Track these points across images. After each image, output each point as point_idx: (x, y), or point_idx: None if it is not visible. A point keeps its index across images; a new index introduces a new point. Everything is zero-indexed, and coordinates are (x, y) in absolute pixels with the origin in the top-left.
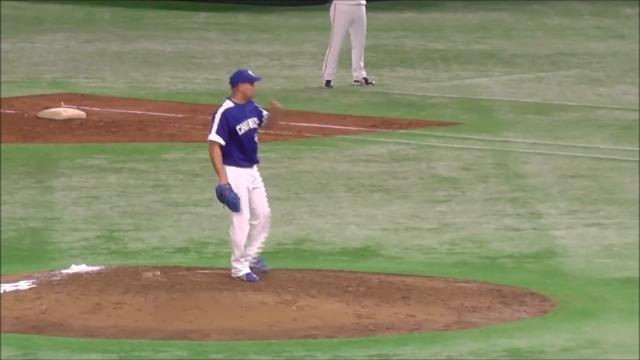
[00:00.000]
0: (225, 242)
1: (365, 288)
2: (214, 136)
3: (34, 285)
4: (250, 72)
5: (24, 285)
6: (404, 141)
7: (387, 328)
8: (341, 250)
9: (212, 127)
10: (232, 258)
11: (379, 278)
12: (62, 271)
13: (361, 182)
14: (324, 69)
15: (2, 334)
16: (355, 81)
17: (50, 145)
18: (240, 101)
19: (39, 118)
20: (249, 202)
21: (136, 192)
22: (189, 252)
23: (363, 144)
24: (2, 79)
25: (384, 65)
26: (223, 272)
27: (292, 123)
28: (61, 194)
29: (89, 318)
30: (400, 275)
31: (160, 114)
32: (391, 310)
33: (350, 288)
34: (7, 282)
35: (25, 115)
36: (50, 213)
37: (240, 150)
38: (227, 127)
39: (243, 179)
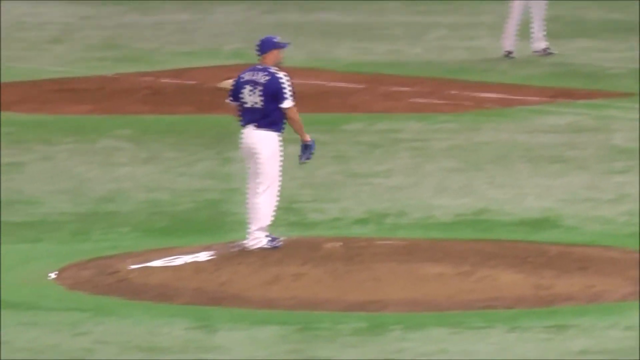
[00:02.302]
0: (405, 214)
1: (544, 259)
2: (292, 102)
3: (213, 257)
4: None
5: (202, 256)
6: (583, 112)
7: (565, 299)
8: (520, 221)
9: (282, 94)
10: (256, 226)
11: (557, 249)
12: (242, 242)
13: (540, 153)
14: (503, 39)
15: (181, 306)
16: (534, 52)
17: (229, 117)
18: (274, 66)
19: (218, 89)
20: None
21: (316, 164)
22: (368, 223)
23: (542, 114)
24: (181, 50)
25: (563, 36)
26: (402, 243)
27: (472, 94)
28: (240, 165)
29: (267, 289)
30: (579, 245)
31: (340, 84)
32: (569, 280)
33: (529, 259)
34: (186, 253)
35: (205, 86)
36: (228, 184)
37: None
38: (293, 91)
39: None
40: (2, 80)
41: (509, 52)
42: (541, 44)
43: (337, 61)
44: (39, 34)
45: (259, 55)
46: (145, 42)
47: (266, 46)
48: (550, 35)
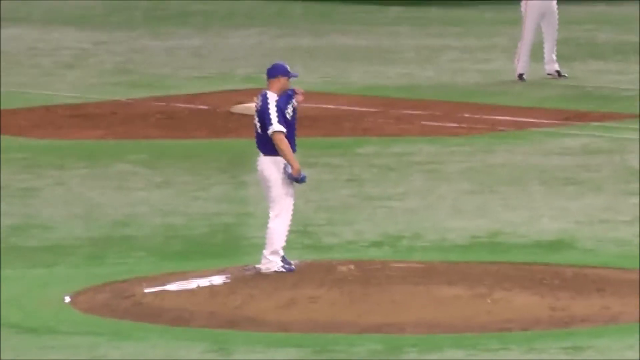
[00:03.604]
0: (420, 236)
1: (560, 280)
2: (278, 126)
3: (228, 280)
4: (285, 65)
5: (217, 280)
6: (597, 134)
7: (581, 320)
8: (535, 243)
9: (269, 119)
10: (269, 251)
11: (573, 270)
12: (256, 266)
13: (554, 175)
14: (516, 62)
15: (197, 329)
16: (547, 74)
17: (243, 140)
18: (277, 93)
19: (231, 113)
20: None
21: (330, 187)
22: (383, 245)
23: (556, 137)
24: (194, 75)
25: (576, 58)
26: (417, 266)
27: (485, 116)
28: (254, 189)
29: (283, 313)
30: (595, 267)
31: (353, 108)
32: (586, 302)
33: (544, 281)
34: (201, 277)
35: (218, 110)
36: (243, 208)
37: (289, 137)
38: (283, 116)
39: None
40: (17, 106)
41: (521, 75)
42: (554, 66)
43: (350, 85)
44: (52, 60)
45: (267, 79)
46: (158, 67)
47: (273, 72)
48: (562, 57)
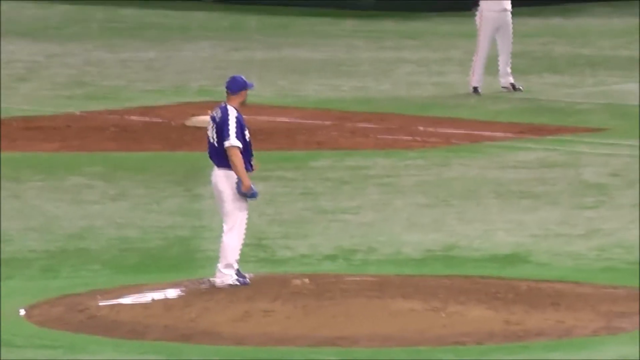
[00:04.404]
0: (375, 250)
1: (514, 294)
2: (235, 141)
3: (183, 294)
4: (243, 77)
5: (172, 293)
6: (552, 147)
7: (536, 334)
8: (490, 256)
9: (227, 132)
10: (223, 264)
11: (527, 284)
12: (211, 279)
13: (510, 189)
14: (471, 75)
15: (152, 342)
16: (502, 87)
17: (198, 153)
18: (237, 107)
19: (186, 126)
20: None
21: (284, 200)
22: (337, 259)
23: (511, 150)
24: (148, 88)
25: (531, 72)
26: (372, 279)
27: (440, 130)
28: (209, 202)
29: (238, 326)
30: (549, 281)
31: (308, 121)
32: (540, 316)
33: (499, 294)
34: (156, 290)
35: (173, 123)
36: (198, 221)
37: (246, 155)
38: (241, 132)
39: None
40: None
41: (476, 88)
42: (509, 79)
43: (304, 98)
44: (6, 73)
45: (228, 93)
46: (113, 80)
47: (236, 87)
48: (517, 70)
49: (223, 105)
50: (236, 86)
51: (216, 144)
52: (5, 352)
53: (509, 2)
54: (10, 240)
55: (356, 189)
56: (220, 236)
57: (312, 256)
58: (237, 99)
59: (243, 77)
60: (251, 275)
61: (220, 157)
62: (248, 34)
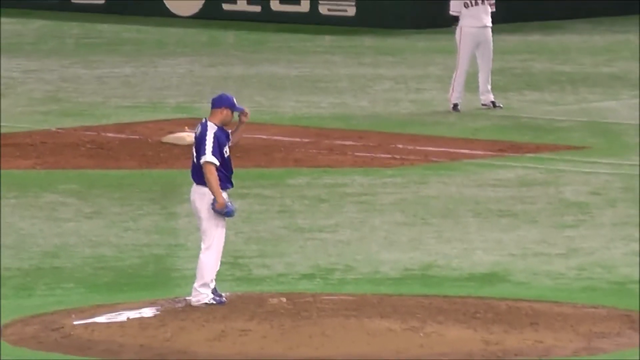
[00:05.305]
0: (352, 268)
1: (493, 314)
2: (210, 157)
3: (158, 312)
4: (234, 99)
5: (148, 312)
6: (532, 165)
7: (515, 354)
8: (469, 275)
9: (204, 148)
10: (199, 283)
11: (506, 304)
12: (187, 298)
13: (488, 207)
14: (450, 92)
15: None
16: (482, 104)
17: (175, 171)
18: (218, 124)
19: (162, 143)
20: None
21: (261, 218)
22: (314, 278)
23: (490, 168)
24: (125, 104)
25: (511, 89)
26: (349, 298)
27: (419, 147)
28: (185, 220)
29: (214, 345)
30: (529, 301)
31: (285, 138)
32: (519, 336)
33: (477, 314)
34: (131, 309)
35: (149, 140)
36: (174, 239)
37: (224, 173)
38: (219, 149)
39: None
40: None
41: (456, 105)
42: (489, 97)
43: (281, 115)
44: None
45: (211, 108)
46: (89, 96)
47: (219, 102)
48: (497, 87)
49: (204, 121)
50: (218, 102)
51: (195, 161)
52: None
53: (490, 18)
54: None
55: (334, 206)
56: (197, 255)
57: (288, 275)
58: (218, 117)
59: (231, 97)
60: (227, 294)
61: (199, 174)
62: (225, 50)
